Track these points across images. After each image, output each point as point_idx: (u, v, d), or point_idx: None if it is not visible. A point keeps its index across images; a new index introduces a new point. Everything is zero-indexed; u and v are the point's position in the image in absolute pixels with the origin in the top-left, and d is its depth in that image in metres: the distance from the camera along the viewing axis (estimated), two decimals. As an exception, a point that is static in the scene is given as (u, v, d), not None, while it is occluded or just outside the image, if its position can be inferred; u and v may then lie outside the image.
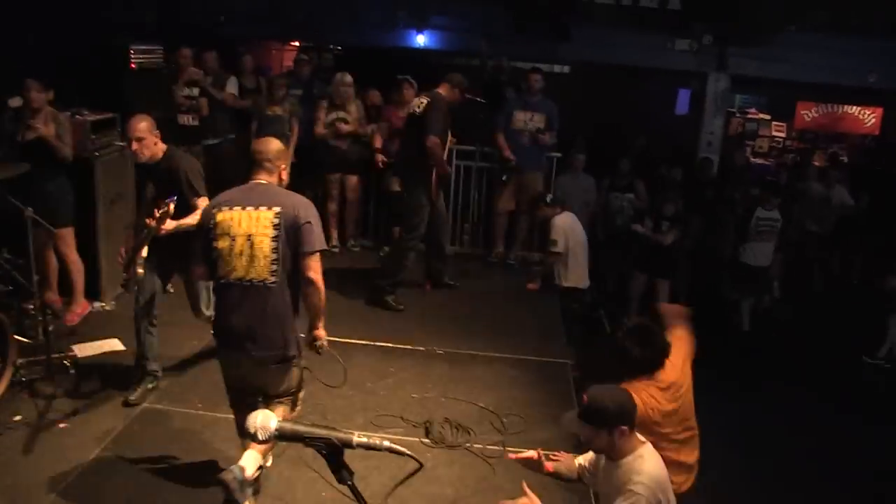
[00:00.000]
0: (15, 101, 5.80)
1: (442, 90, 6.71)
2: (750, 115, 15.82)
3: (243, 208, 3.66)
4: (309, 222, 3.65)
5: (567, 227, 7.12)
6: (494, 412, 5.18)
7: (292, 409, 3.88)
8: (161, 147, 4.78)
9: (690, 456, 3.74)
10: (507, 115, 8.18)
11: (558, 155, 8.67)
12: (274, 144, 3.89)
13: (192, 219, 4.31)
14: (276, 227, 3.60)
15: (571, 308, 7.12)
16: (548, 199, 7.35)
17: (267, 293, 3.63)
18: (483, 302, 7.24)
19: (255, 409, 2.93)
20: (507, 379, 5.72)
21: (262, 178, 3.79)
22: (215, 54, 8.31)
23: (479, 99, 8.51)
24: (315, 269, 3.67)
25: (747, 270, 8.43)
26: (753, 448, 5.98)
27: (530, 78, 8.20)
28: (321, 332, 3.88)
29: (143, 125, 4.67)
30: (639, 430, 3.02)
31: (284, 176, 3.92)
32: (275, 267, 3.60)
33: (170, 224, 4.33)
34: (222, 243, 3.63)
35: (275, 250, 3.60)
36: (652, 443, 3.05)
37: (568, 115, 8.68)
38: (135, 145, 4.66)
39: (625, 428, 2.88)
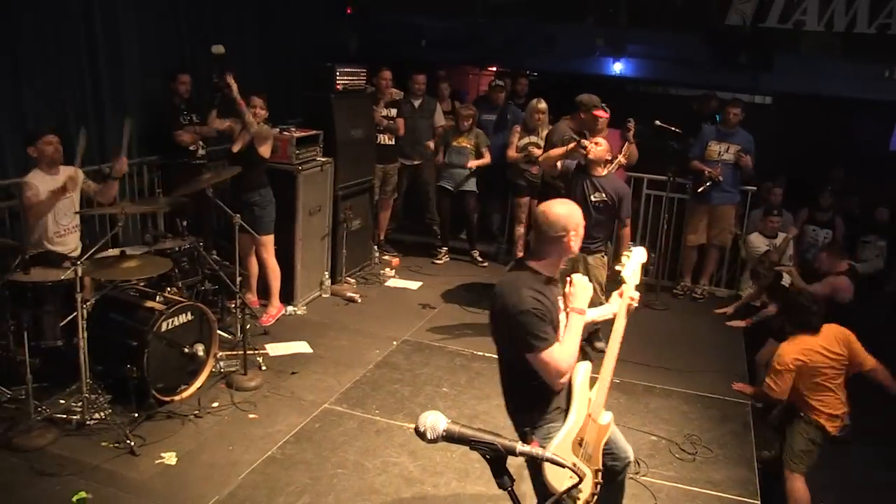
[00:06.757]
0: (217, 48, 6.23)
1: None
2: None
3: None
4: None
5: None
6: (667, 447, 5.01)
7: None
8: None
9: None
10: (702, 145, 7.94)
11: (753, 189, 8.29)
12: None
13: None
14: None
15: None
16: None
17: None
18: (664, 335, 7.04)
19: None
20: (683, 414, 5.50)
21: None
22: (424, 77, 8.65)
23: (673, 128, 8.31)
24: None
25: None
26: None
27: (728, 111, 7.90)
28: None
29: None
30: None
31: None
32: None
33: None
34: None
35: None
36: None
37: (768, 148, 8.28)
38: None
39: None
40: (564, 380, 3.12)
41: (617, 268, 3.54)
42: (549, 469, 2.92)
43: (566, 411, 3.19)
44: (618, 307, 3.45)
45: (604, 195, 5.95)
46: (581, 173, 6.05)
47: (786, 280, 6.77)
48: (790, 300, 5.07)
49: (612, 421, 3.34)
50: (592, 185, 5.97)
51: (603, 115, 6.48)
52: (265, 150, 6.24)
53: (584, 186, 5.98)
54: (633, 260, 3.52)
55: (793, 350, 4.64)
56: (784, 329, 4.96)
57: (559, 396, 3.19)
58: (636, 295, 3.45)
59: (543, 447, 2.09)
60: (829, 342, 4.62)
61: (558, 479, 2.92)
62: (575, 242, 3.17)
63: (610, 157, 6.14)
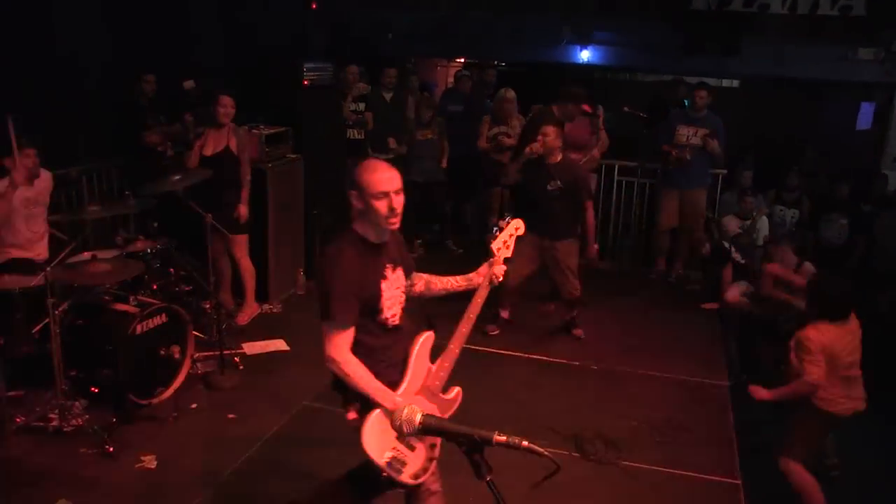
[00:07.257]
0: (188, 84, 6.17)
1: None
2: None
3: None
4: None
5: None
6: (647, 431, 5.06)
7: None
8: None
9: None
10: (670, 129, 7.98)
11: (723, 172, 8.36)
12: None
13: None
14: None
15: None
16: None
17: None
18: (641, 320, 7.10)
19: None
20: (661, 398, 5.56)
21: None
22: (395, 70, 8.61)
23: (641, 114, 8.36)
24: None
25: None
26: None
27: (696, 95, 7.93)
28: None
29: None
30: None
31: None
32: None
33: None
34: None
35: None
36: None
37: (736, 131, 8.34)
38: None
39: None
40: (331, 366, 3.05)
41: (493, 244, 3.42)
42: (367, 435, 2.80)
43: (398, 383, 3.06)
44: (482, 277, 3.33)
45: (559, 182, 6.02)
46: (538, 164, 6.10)
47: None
48: (823, 289, 4.37)
49: (458, 394, 3.25)
50: (548, 174, 6.04)
51: (588, 109, 6.78)
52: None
53: (542, 177, 6.06)
54: (505, 232, 3.42)
55: (823, 336, 4.16)
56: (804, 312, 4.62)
57: (388, 367, 3.08)
58: (501, 268, 3.33)
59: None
60: (855, 328, 4.26)
61: (377, 449, 2.82)
62: (384, 213, 2.91)
63: (560, 144, 6.13)
